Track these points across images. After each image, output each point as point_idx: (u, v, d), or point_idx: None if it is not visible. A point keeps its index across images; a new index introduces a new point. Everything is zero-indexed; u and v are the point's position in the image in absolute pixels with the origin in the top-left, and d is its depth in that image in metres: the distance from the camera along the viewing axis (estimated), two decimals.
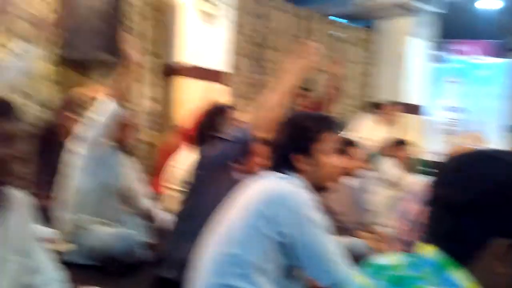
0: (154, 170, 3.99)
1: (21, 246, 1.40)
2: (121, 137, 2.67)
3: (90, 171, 2.51)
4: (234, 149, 2.10)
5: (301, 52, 2.01)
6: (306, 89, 3.85)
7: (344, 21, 6.47)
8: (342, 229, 2.46)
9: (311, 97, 4.01)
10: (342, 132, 5.14)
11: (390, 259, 0.71)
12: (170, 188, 3.17)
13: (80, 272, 2.28)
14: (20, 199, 1.42)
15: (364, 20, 6.62)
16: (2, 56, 2.68)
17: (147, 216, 2.86)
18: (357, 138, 3.57)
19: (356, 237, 2.58)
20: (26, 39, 3.47)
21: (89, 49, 3.68)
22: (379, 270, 0.68)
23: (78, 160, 2.53)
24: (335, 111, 5.91)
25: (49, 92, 3.70)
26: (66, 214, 2.52)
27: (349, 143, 2.90)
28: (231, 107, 2.73)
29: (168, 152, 3.63)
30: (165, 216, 2.86)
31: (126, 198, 2.77)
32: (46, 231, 2.15)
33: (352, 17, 6.53)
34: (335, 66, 3.78)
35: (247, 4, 5.12)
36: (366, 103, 6.00)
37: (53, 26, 3.62)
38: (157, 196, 3.28)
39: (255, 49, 5.29)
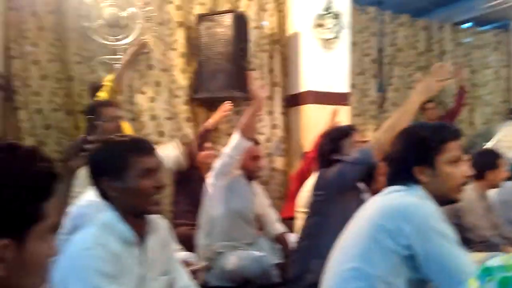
0: (287, 196, 4.12)
1: (161, 266, 1.57)
2: (250, 166, 2.86)
3: (221, 199, 2.71)
4: (353, 170, 2.10)
5: (436, 73, 1.97)
6: (431, 101, 3.65)
7: (471, 25, 6.01)
8: (487, 245, 2.26)
9: (437, 109, 3.78)
10: (486, 142, 4.77)
11: (503, 260, 0.66)
12: (302, 212, 3.26)
13: None
14: (160, 224, 1.61)
15: (495, 22, 6.07)
16: None
17: (279, 239, 2.97)
18: (503, 147, 3.27)
19: (503, 252, 2.33)
20: (158, 84, 3.99)
21: (218, 88, 3.99)
22: (491, 272, 0.64)
23: (209, 189, 2.77)
24: (476, 121, 5.58)
25: (182, 129, 4.08)
26: (202, 240, 2.75)
27: (496, 155, 2.79)
28: (354, 129, 2.72)
29: (299, 177, 3.76)
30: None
31: (258, 223, 2.94)
32: (185, 255, 2.35)
33: (481, 21, 6.04)
34: (459, 73, 3.56)
35: (365, 23, 5.11)
36: (509, 109, 5.43)
37: (183, 71, 4.07)
38: (290, 220, 3.37)
39: (377, 67, 5.21)
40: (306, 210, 2.92)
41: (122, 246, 1.40)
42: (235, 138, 2.66)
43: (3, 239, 0.72)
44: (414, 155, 1.51)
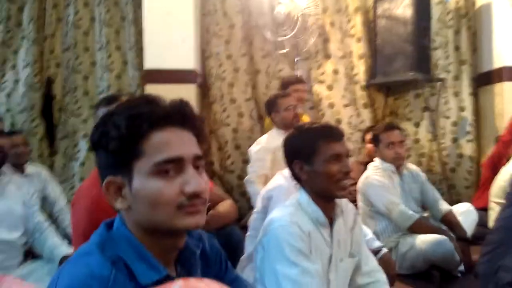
0: (478, 185, 3.79)
1: (348, 248, 1.62)
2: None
3: None
4: None
5: None
6: None
7: None
8: None
9: None
10: None
11: None
12: (497, 203, 2.96)
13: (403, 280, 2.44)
14: (348, 208, 1.67)
15: None
16: None
17: (446, 219, 2.77)
18: None
19: None
20: (336, 72, 4.04)
21: (396, 71, 3.86)
22: None
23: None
24: None
25: (359, 116, 4.06)
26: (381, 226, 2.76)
27: None
28: None
29: (492, 164, 3.43)
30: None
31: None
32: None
33: None
34: None
35: None
36: None
37: (360, 57, 4.04)
38: (483, 211, 3.10)
39: None
40: (501, 200, 2.65)
41: (313, 226, 1.50)
42: None
43: (117, 176, 0.85)
44: None
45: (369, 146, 3.48)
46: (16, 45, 3.90)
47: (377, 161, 2.82)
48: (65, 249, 2.29)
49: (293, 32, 3.81)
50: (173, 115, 0.87)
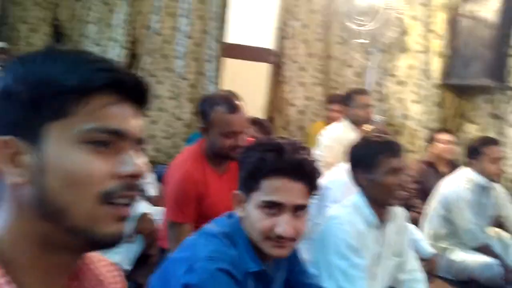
0: None
1: (397, 249, 1.81)
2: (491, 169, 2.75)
3: None
4: None
5: None
6: None
7: None
8: None
9: None
10: None
11: None
12: None
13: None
14: (399, 213, 1.84)
15: None
16: None
17: None
18: None
19: None
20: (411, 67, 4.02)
21: (472, 75, 3.80)
22: None
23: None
24: None
25: (429, 114, 4.07)
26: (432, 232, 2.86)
27: None
28: None
29: None
30: None
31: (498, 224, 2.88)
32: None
33: None
34: None
35: None
36: None
37: (438, 55, 4.00)
38: None
39: None
40: None
41: (365, 227, 1.69)
42: None
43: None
44: None
45: (440, 146, 3.51)
46: (113, 4, 4.21)
47: (469, 172, 2.82)
48: (145, 206, 2.55)
49: (372, 22, 3.82)
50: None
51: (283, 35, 4.15)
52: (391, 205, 1.72)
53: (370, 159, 1.68)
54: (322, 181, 2.39)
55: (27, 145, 0.55)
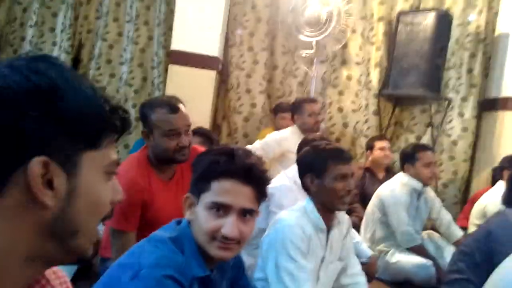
0: (466, 203, 4.00)
1: (341, 253, 1.89)
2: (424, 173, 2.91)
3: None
4: None
5: None
6: None
7: None
8: None
9: None
10: None
11: None
12: (473, 223, 3.20)
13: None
14: (344, 219, 1.93)
15: None
16: None
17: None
18: None
19: None
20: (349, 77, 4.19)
21: (409, 85, 4.02)
22: None
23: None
24: None
25: (368, 122, 4.25)
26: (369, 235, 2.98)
27: None
28: None
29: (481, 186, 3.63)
30: None
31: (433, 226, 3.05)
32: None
33: None
34: None
35: None
36: None
37: (376, 66, 4.20)
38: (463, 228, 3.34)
39: None
40: (479, 222, 2.90)
41: (313, 231, 1.75)
42: None
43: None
44: None
45: (378, 153, 3.67)
46: (55, 8, 4.07)
47: (404, 176, 2.96)
48: None
49: (315, 34, 3.94)
50: None
51: (230, 43, 4.20)
52: (339, 209, 1.79)
53: (320, 165, 1.75)
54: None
55: (60, 169, 0.57)
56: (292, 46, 4.22)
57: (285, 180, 2.41)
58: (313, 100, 3.25)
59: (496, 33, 4.22)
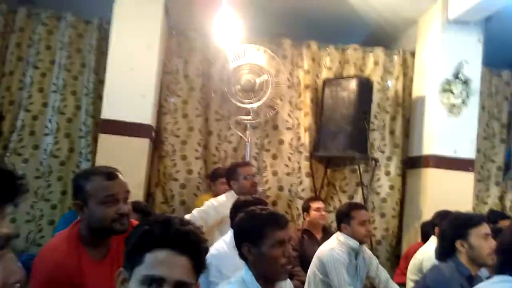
0: (401, 259, 4.10)
1: None
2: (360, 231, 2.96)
3: None
4: None
5: None
6: None
7: None
8: None
9: None
10: None
11: None
12: (409, 278, 3.26)
13: None
14: (286, 285, 1.84)
15: None
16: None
17: None
18: None
19: None
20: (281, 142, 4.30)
21: (337, 148, 4.19)
22: None
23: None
24: None
25: (301, 185, 4.32)
26: None
27: None
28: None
29: (411, 241, 3.74)
30: None
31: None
32: None
33: None
34: None
35: (499, 87, 4.91)
36: None
37: (306, 130, 4.36)
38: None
39: (507, 131, 4.94)
40: (416, 277, 2.96)
41: None
42: None
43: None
44: None
45: (314, 214, 3.71)
46: None
47: (341, 236, 2.94)
48: None
49: (251, 101, 4.03)
50: None
51: (163, 110, 4.18)
52: (280, 279, 1.72)
53: (256, 232, 1.68)
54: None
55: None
56: (225, 113, 4.28)
57: (223, 246, 2.33)
58: (246, 163, 3.27)
59: (413, 96, 4.58)
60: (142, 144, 3.74)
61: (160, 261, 1.03)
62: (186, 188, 4.15)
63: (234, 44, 3.96)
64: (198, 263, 1.09)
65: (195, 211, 3.14)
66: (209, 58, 4.31)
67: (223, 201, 3.11)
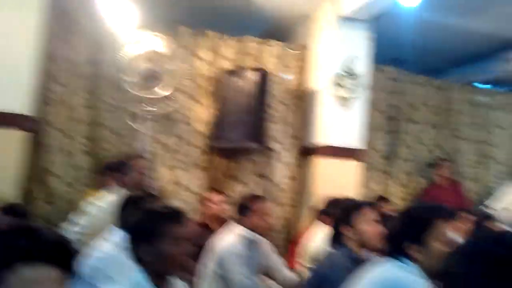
0: (290, 245, 4.20)
1: None
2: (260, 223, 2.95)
3: None
4: None
5: None
6: None
7: (488, 86, 6.14)
8: None
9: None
10: (487, 202, 4.85)
11: None
12: (301, 264, 3.33)
13: None
14: (177, 284, 1.73)
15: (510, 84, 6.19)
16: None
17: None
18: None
19: None
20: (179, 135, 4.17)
21: (237, 138, 4.16)
22: None
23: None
24: (484, 179, 5.61)
25: (198, 178, 4.22)
26: None
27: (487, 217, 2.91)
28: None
29: (305, 229, 3.84)
30: None
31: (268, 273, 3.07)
32: None
33: (498, 82, 6.16)
34: None
35: (383, 82, 5.24)
36: None
37: (205, 122, 4.27)
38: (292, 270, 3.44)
39: (391, 123, 5.30)
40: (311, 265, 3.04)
41: None
42: None
43: None
44: (408, 233, 1.66)
45: (212, 206, 3.62)
46: None
47: (239, 228, 2.91)
48: None
49: (146, 91, 3.82)
50: None
51: (44, 100, 3.79)
52: (175, 276, 1.62)
53: (153, 229, 1.56)
54: (89, 260, 2.15)
55: None
56: (117, 103, 4.00)
57: (109, 248, 2.15)
58: (139, 156, 3.09)
59: (309, 89, 4.70)
60: (16, 137, 3.35)
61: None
62: (72, 186, 3.81)
63: (129, 30, 3.72)
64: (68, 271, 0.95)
65: (82, 220, 2.89)
66: (99, 43, 3.99)
67: (113, 199, 2.89)
